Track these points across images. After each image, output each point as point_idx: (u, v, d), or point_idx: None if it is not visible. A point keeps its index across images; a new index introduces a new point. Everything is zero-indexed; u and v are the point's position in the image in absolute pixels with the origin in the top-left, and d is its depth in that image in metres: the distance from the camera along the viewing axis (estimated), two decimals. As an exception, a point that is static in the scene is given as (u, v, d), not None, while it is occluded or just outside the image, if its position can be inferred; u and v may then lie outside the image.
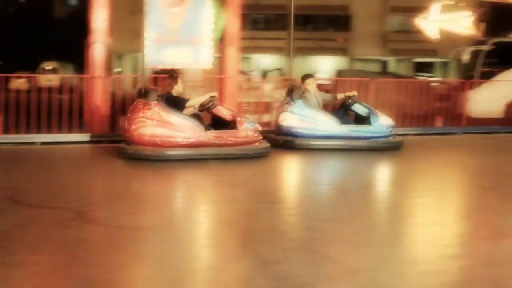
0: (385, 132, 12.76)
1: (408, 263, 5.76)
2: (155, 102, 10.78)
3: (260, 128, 11.66)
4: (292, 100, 12.69)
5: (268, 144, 11.68)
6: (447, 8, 14.51)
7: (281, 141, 12.53)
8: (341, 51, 47.13)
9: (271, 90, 15.28)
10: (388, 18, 47.26)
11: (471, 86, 17.92)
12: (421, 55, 43.99)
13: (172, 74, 11.17)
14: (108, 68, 13.82)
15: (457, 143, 14.87)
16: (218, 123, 11.34)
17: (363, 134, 12.58)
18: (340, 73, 29.41)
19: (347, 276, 5.20)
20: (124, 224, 6.59)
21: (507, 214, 7.75)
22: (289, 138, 12.56)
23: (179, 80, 11.12)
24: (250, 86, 16.20)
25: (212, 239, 6.41)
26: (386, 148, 12.62)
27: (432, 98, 16.95)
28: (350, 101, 12.78)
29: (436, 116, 16.41)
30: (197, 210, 7.70)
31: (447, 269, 5.59)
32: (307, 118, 12.55)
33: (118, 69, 33.58)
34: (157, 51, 11.65)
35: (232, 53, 14.00)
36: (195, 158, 10.76)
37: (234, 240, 6.35)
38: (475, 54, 20.12)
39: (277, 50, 45.17)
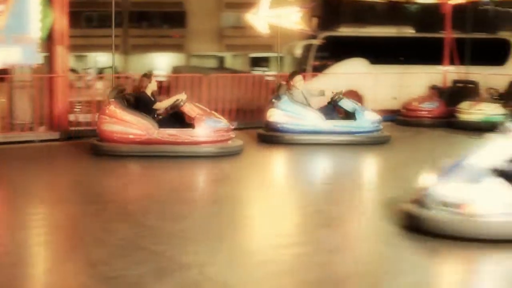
0: (370, 127, 12.88)
1: (241, 255, 5.81)
2: (112, 100, 11.21)
3: (230, 127, 11.64)
4: (279, 96, 12.93)
5: (238, 144, 11.58)
6: (276, 4, 14.76)
7: (267, 136, 12.92)
8: (177, 47, 46.96)
9: (104, 89, 14.96)
10: (223, 14, 47.63)
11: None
12: (256, 50, 44.65)
13: (145, 74, 11.58)
14: None
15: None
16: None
17: (348, 129, 12.72)
18: (176, 70, 29.29)
19: (176, 272, 5.16)
20: None
21: (340, 205, 7.99)
22: (277, 133, 12.80)
23: (153, 80, 11.39)
24: (82, 84, 15.80)
25: (42, 243, 6.18)
26: (371, 142, 12.75)
27: (267, 92, 17.16)
28: (337, 97, 12.95)
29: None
30: (27, 214, 7.38)
31: (280, 258, 5.68)
32: (292, 114, 12.72)
33: None
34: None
35: (61, 51, 13.56)
36: (149, 155, 10.86)
37: (64, 242, 6.17)
38: (307, 48, 20.57)
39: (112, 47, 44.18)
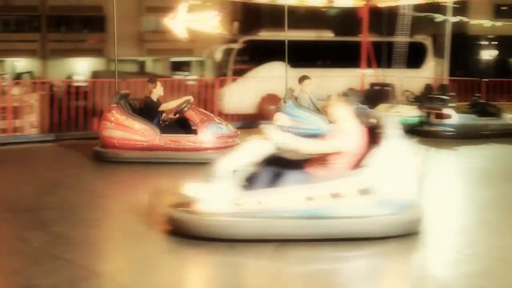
0: None
1: (154, 262, 5.75)
2: (114, 105, 11.11)
3: (234, 133, 11.42)
4: (284, 100, 12.90)
5: None
6: (194, 8, 14.74)
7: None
8: (97, 52, 46.50)
9: (20, 94, 14.64)
10: (143, 18, 47.36)
11: (224, 83, 18.39)
12: (177, 54, 44.56)
13: (151, 78, 11.55)
14: None
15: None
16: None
17: None
18: (95, 75, 28.98)
19: (89, 280, 5.09)
20: None
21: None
22: None
23: (158, 84, 11.28)
24: (-2, 90, 15.42)
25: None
26: None
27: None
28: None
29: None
30: None
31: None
32: (297, 118, 12.61)
33: None
34: None
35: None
36: (150, 162, 10.71)
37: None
38: (227, 53, 20.64)
39: (30, 52, 43.64)
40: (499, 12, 42.21)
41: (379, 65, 19.26)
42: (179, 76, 38.18)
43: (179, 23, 14.57)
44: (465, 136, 14.46)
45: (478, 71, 37.08)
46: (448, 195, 8.90)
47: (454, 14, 19.37)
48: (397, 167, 6.25)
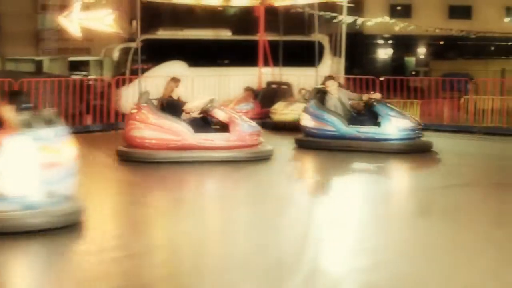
0: (396, 135, 12.18)
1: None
2: (145, 104, 10.94)
3: (260, 131, 11.50)
4: (308, 101, 12.94)
5: (268, 148, 11.44)
6: (88, 6, 14.52)
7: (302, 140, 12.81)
8: (-10, 51, 45.17)
9: None
10: (39, 16, 46.24)
11: (123, 83, 18.17)
12: (75, 53, 43.72)
13: (172, 78, 11.33)
14: None
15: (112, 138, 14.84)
16: (224, 127, 11.23)
17: (372, 136, 12.15)
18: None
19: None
20: None
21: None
22: (309, 138, 12.70)
23: (179, 84, 11.20)
24: None
25: None
26: (394, 151, 12.04)
27: (86, 96, 16.84)
28: (373, 102, 12.38)
29: (85, 114, 16.33)
30: None
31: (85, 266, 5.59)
32: (318, 119, 12.47)
33: None
34: None
35: None
36: (184, 161, 10.62)
37: None
38: (125, 52, 20.40)
39: None
40: (394, 12, 43.26)
41: (276, 63, 19.45)
42: (77, 75, 37.50)
43: (73, 22, 14.31)
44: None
45: (375, 70, 37.95)
46: (336, 192, 9.09)
47: (350, 14, 19.73)
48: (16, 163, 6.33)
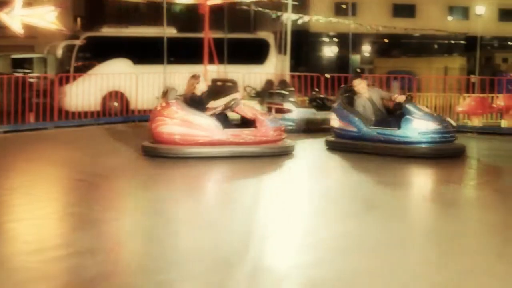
0: (416, 138, 11.43)
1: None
2: (174, 101, 11.07)
3: (283, 127, 11.75)
4: (335, 101, 12.89)
5: (290, 143, 11.66)
6: (30, 3, 14.33)
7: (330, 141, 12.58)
8: None
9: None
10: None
11: (67, 81, 17.97)
12: (18, 51, 42.98)
13: (192, 75, 11.51)
14: None
15: (50, 138, 14.69)
16: (245, 123, 11.46)
17: (391, 138, 11.59)
18: None
19: None
20: None
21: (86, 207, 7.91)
22: (337, 138, 12.49)
23: (201, 80, 11.39)
24: None
25: None
26: (413, 155, 11.39)
27: (29, 94, 16.60)
28: (403, 101, 11.69)
29: (28, 112, 16.10)
30: None
31: (27, 266, 5.53)
32: (342, 119, 12.24)
33: None
34: None
35: None
36: (213, 156, 10.86)
37: None
38: (69, 49, 20.19)
39: None
40: (339, 10, 43.64)
41: (222, 61, 19.47)
42: (20, 73, 36.89)
43: (15, 18, 14.10)
44: (306, 130, 14.88)
45: (320, 67, 38.24)
46: (283, 189, 9.14)
47: (295, 12, 19.84)
48: None
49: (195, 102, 11.27)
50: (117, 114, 18.28)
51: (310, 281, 5.28)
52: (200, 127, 11.03)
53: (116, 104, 18.67)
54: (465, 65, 38.53)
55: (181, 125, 11.01)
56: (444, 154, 11.49)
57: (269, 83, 17.52)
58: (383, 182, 9.59)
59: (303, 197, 8.71)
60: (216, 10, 20.00)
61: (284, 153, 11.50)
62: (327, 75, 18.60)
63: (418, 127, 11.43)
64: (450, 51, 46.30)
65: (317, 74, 18.42)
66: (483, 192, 9.17)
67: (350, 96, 12.40)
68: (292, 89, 16.56)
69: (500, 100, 16.95)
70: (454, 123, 12.32)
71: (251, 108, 11.98)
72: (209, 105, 11.33)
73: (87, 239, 6.29)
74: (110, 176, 9.94)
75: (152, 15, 27.67)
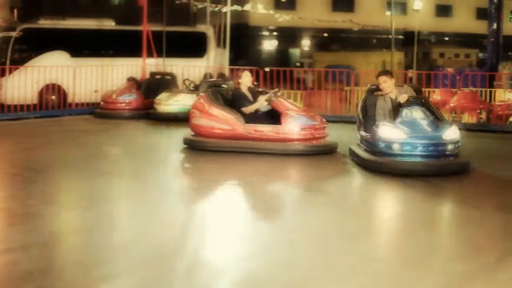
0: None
1: None
2: (202, 94, 11.59)
3: (323, 125, 11.23)
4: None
5: (331, 142, 11.24)
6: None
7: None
8: None
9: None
10: None
11: (3, 73, 17.69)
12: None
13: (239, 69, 11.45)
14: None
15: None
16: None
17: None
18: None
19: None
20: None
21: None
22: None
23: (244, 74, 11.46)
24: None
25: None
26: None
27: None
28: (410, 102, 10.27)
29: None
30: None
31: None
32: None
33: None
34: None
35: None
36: (233, 151, 10.79)
37: None
38: (5, 41, 19.83)
39: None
40: (279, 4, 43.79)
41: (160, 54, 19.40)
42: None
43: None
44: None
45: (260, 61, 38.33)
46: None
47: (235, 5, 19.89)
48: None
49: (236, 98, 11.36)
50: (55, 107, 18.07)
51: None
52: (222, 120, 11.07)
53: (53, 97, 18.45)
54: (403, 59, 39.11)
55: (206, 117, 11.21)
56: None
57: (207, 76, 17.55)
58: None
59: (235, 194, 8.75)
60: (155, 3, 19.91)
61: (312, 153, 10.82)
62: (267, 69, 18.67)
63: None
64: (388, 46, 46.86)
65: (257, 67, 18.48)
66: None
67: (371, 95, 10.84)
68: (231, 82, 16.60)
69: (436, 95, 17.27)
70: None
71: (288, 104, 11.41)
72: (243, 110, 11.11)
73: (20, 235, 6.23)
74: (46, 169, 9.83)
75: (91, 7, 27.36)
